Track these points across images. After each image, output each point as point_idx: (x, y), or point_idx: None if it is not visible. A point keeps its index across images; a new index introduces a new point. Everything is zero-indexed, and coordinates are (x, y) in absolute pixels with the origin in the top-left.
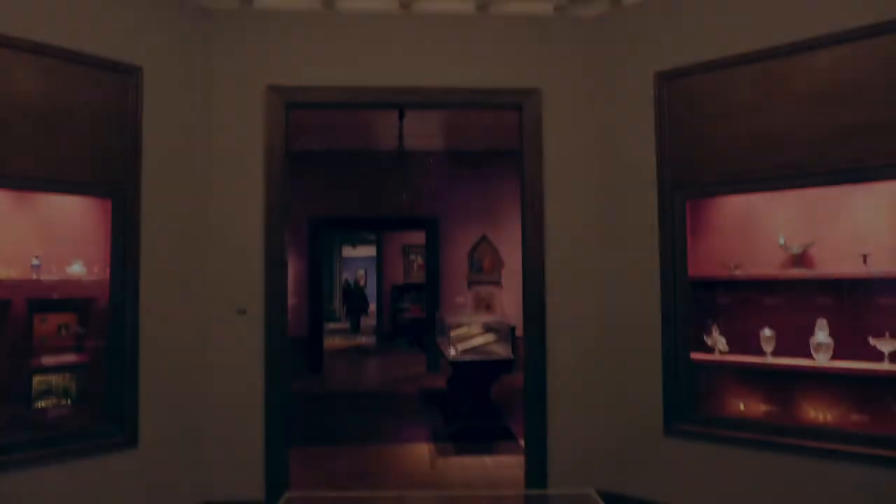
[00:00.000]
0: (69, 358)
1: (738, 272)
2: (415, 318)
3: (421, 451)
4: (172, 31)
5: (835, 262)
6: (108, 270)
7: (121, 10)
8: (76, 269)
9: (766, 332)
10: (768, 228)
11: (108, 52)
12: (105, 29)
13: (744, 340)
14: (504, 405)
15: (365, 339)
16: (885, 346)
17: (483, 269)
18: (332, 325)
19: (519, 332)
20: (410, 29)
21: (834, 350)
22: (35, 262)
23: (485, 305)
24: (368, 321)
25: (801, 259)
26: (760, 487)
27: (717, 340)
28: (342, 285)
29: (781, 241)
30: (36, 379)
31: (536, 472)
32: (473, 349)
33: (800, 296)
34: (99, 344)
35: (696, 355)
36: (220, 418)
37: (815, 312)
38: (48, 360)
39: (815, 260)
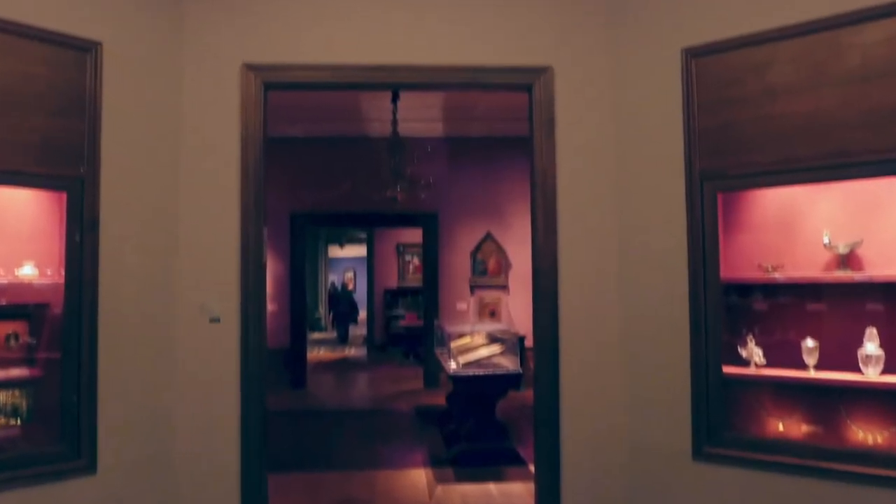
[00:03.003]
0: (19, 372)
1: (776, 274)
2: (410, 326)
3: (417, 477)
4: (136, 2)
5: (887, 263)
6: (63, 272)
7: None
8: (27, 271)
9: (809, 342)
10: (810, 225)
11: (62, 25)
12: None
13: (783, 352)
14: (511, 425)
15: (354, 351)
16: None
17: (487, 271)
18: (316, 335)
19: (528, 343)
20: (408, 1)
21: (885, 363)
22: None
23: (489, 312)
24: (358, 330)
25: (847, 260)
26: None
27: (753, 352)
28: (328, 289)
29: (825, 239)
30: None
31: (548, 501)
32: (477, 362)
33: (846, 301)
34: (53, 356)
35: (728, 369)
36: (189, 440)
37: (864, 320)
38: None
39: (864, 261)
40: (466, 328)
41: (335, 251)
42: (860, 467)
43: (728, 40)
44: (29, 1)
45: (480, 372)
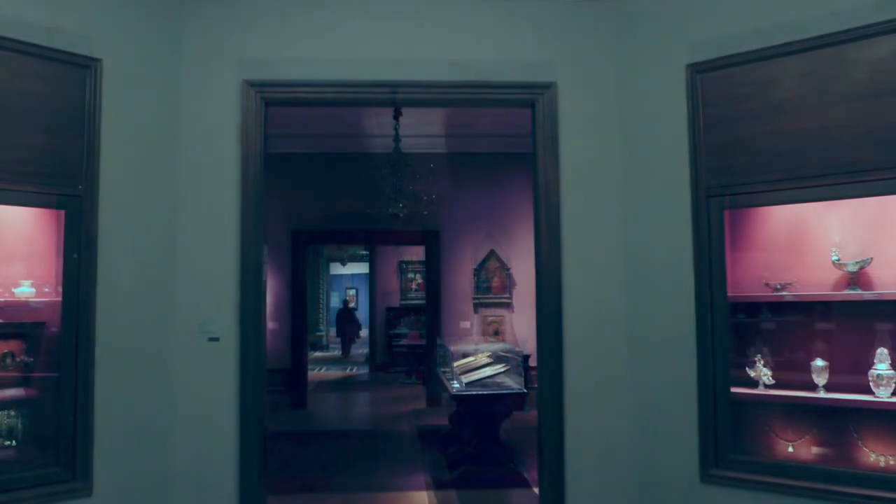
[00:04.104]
0: (15, 392)
1: (784, 292)
2: (413, 345)
3: (419, 500)
4: (136, 18)
5: None
6: (60, 291)
7: None
8: (24, 290)
9: (818, 362)
10: (819, 241)
11: (61, 41)
12: (58, 14)
13: (792, 372)
14: (515, 446)
15: (356, 370)
16: None
17: (491, 288)
18: (318, 354)
19: (533, 362)
20: (408, 16)
21: None
22: None
23: (493, 331)
24: (359, 348)
25: (857, 278)
26: None
27: (761, 372)
28: (338, 308)
29: (834, 256)
30: None
31: None
32: (480, 381)
33: (856, 320)
34: (49, 376)
35: (736, 389)
36: (187, 462)
37: (875, 340)
38: None
39: (874, 278)
40: (470, 347)
41: (337, 269)
42: (871, 491)
43: (733, 56)
44: (30, 18)
45: (484, 392)
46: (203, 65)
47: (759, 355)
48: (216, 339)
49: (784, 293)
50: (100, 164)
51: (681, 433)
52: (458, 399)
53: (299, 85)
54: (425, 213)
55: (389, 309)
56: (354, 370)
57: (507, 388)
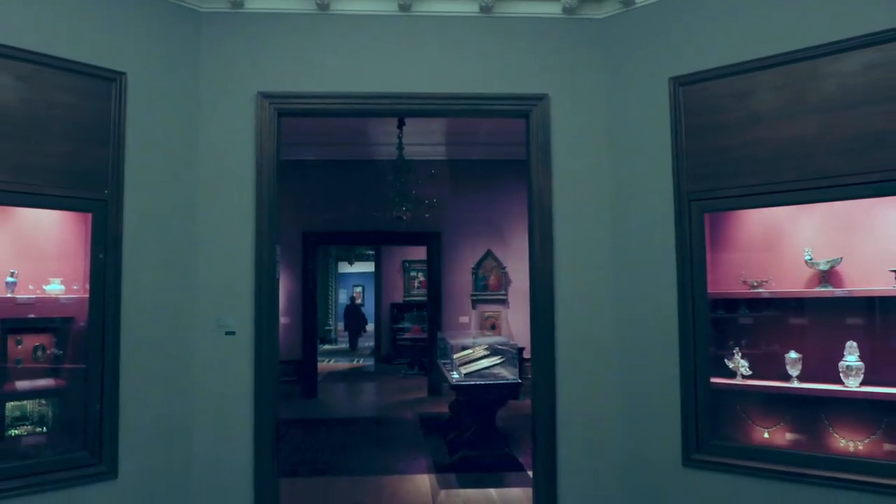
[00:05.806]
0: (45, 382)
1: (760, 289)
2: (415, 338)
3: (421, 482)
4: (158, 35)
5: (865, 278)
6: (88, 288)
7: (102, 10)
8: (54, 287)
9: (792, 354)
10: (793, 242)
11: (89, 56)
12: (85, 31)
13: (768, 364)
14: (511, 433)
15: (362, 362)
16: None
17: (488, 286)
18: (327, 347)
19: (527, 354)
20: (410, 32)
21: (865, 374)
22: (10, 278)
23: (490, 325)
24: (366, 341)
25: (828, 276)
26: None
27: (739, 364)
28: (345, 304)
29: (807, 256)
30: (9, 405)
31: None
32: (478, 372)
33: (827, 315)
34: (77, 367)
35: (716, 380)
36: (205, 447)
37: (845, 333)
38: (22, 384)
39: (844, 277)
40: (468, 340)
41: (344, 267)
42: (841, 474)
43: (713, 69)
44: (58, 33)
45: (481, 382)
46: (220, 78)
47: (737, 348)
48: (232, 333)
49: (760, 290)
50: (124, 170)
51: (664, 420)
52: (458, 388)
53: (310, 97)
54: (427, 215)
55: (394, 305)
56: (361, 362)
57: (503, 378)
